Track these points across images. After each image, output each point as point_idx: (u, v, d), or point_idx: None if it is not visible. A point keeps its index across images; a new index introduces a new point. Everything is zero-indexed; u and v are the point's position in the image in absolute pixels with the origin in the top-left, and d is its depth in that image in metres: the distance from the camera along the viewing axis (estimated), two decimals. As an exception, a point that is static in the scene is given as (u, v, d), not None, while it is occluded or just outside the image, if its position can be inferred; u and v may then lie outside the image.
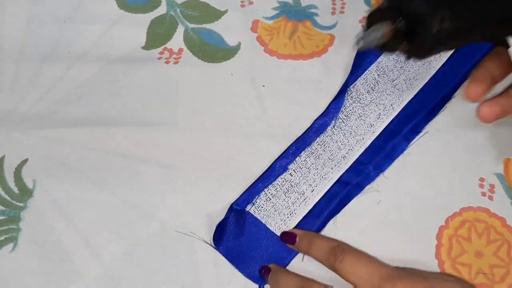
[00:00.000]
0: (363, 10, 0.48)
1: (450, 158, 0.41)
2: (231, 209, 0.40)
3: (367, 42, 0.28)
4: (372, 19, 0.28)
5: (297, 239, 0.38)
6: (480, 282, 0.37)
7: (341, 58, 0.46)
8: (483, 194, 0.40)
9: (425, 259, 0.37)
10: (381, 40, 0.28)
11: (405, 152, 0.41)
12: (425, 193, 0.40)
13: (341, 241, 0.36)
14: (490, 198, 0.39)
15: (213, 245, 0.39)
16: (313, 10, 0.49)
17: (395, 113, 0.43)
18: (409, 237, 0.38)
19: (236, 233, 0.39)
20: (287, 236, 0.38)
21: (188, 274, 0.38)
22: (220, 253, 0.38)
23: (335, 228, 0.39)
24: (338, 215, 0.39)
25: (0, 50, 0.49)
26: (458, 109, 0.43)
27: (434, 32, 0.27)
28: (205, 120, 0.44)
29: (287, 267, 0.38)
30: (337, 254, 0.34)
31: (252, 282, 0.38)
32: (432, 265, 0.37)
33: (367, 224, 0.39)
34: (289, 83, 0.45)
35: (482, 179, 0.40)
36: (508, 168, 0.40)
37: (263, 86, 0.45)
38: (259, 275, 0.38)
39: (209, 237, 0.39)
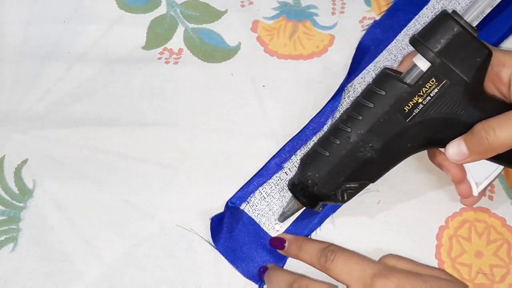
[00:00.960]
0: (363, 10, 0.48)
1: (450, 158, 0.41)
2: (227, 206, 0.40)
3: (287, 215, 0.38)
4: (290, 189, 0.37)
5: (286, 244, 0.37)
6: (480, 282, 0.37)
7: (341, 58, 0.46)
8: (483, 194, 0.40)
9: (425, 259, 0.37)
10: (295, 211, 0.38)
11: (405, 152, 0.41)
12: (425, 193, 0.40)
13: (331, 243, 0.36)
14: (490, 198, 0.39)
15: (212, 244, 0.39)
16: (313, 10, 0.49)
17: None
18: (409, 237, 0.38)
19: (233, 232, 0.39)
20: (276, 241, 0.38)
21: (188, 274, 0.38)
22: (220, 252, 0.38)
23: (334, 228, 0.39)
24: (338, 215, 0.39)
25: (0, 50, 0.49)
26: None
27: (344, 198, 0.35)
28: (205, 120, 0.44)
29: (285, 265, 0.38)
30: (328, 255, 0.34)
31: (252, 282, 0.38)
32: (432, 265, 0.37)
33: (367, 224, 0.39)
34: (289, 83, 0.45)
35: (482, 179, 0.40)
36: (508, 168, 0.40)
37: (263, 86, 0.45)
38: (258, 275, 0.38)
39: (209, 236, 0.39)
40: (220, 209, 0.40)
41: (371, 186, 0.40)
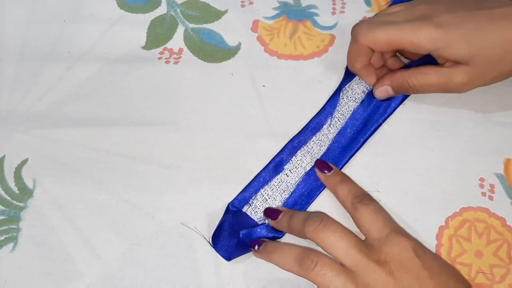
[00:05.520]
0: (363, 10, 0.48)
1: (450, 158, 0.41)
2: (227, 210, 0.40)
3: None
4: None
5: (281, 215, 0.38)
6: (480, 282, 0.37)
7: (342, 58, 0.46)
8: (483, 194, 0.40)
9: (425, 259, 0.37)
10: None
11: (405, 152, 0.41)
12: (425, 193, 0.40)
13: (323, 214, 0.37)
14: (490, 198, 0.39)
15: (212, 245, 0.39)
16: (313, 10, 0.49)
17: (391, 111, 0.43)
18: (409, 237, 0.38)
19: (233, 236, 0.39)
20: (270, 212, 0.39)
21: (188, 274, 0.38)
22: (220, 255, 0.38)
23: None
24: (337, 215, 0.39)
25: (0, 50, 0.49)
26: (459, 109, 0.43)
27: None
28: (205, 120, 0.44)
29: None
30: (313, 224, 0.35)
31: (253, 282, 0.38)
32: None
33: (367, 224, 0.39)
34: (289, 83, 0.45)
35: (482, 179, 0.40)
36: (508, 168, 0.40)
37: (263, 86, 0.45)
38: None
39: (209, 236, 0.39)
40: (220, 209, 0.40)
41: (371, 186, 0.40)
